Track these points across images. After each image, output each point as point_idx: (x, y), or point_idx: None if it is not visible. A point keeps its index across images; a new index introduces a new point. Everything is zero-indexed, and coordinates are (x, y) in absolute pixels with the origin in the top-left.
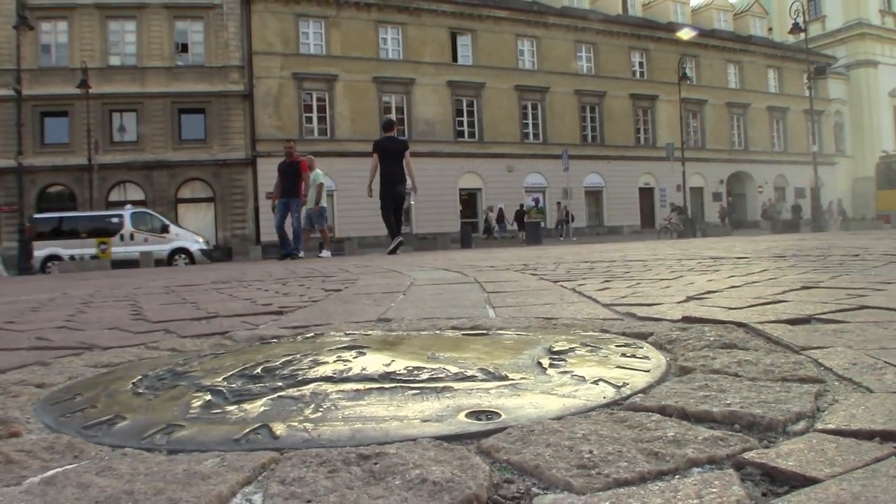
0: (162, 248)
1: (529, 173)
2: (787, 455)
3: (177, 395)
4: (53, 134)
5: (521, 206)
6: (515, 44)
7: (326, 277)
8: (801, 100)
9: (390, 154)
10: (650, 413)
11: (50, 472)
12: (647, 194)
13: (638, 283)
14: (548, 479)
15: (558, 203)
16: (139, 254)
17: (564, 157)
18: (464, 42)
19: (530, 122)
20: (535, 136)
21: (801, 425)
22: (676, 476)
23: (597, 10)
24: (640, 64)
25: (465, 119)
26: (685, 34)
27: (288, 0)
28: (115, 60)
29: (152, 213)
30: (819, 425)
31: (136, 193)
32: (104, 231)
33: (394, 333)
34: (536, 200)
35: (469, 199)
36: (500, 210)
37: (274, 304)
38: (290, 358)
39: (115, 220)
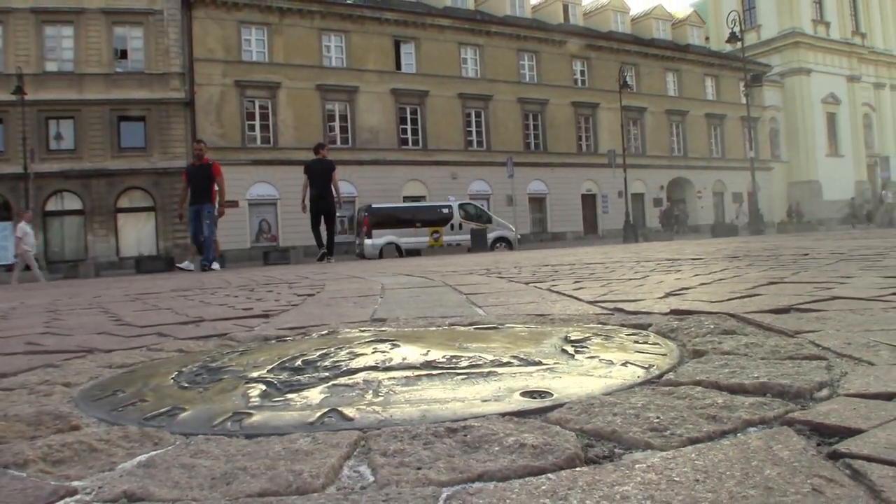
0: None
1: (474, 180)
2: (826, 414)
3: (227, 388)
4: None
5: None
6: (458, 52)
7: (291, 284)
8: (737, 107)
9: (318, 175)
10: (691, 386)
11: (142, 457)
12: (589, 201)
13: (609, 283)
14: (627, 441)
15: None
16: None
17: (509, 164)
18: (407, 50)
19: (474, 129)
20: (479, 143)
21: (824, 392)
22: (738, 434)
23: (539, 20)
24: (582, 72)
25: (409, 127)
26: None
27: (230, 7)
28: (51, 66)
29: (476, 204)
30: (841, 391)
31: (73, 202)
32: (436, 221)
33: (407, 329)
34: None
35: None
36: None
37: (254, 308)
38: (325, 351)
39: (444, 210)
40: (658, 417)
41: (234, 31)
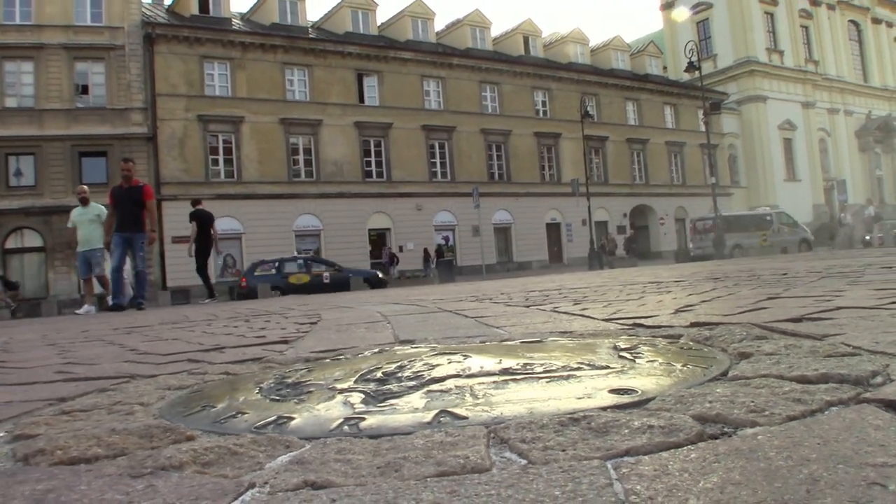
0: (793, 238)
1: (439, 211)
2: (894, 393)
3: (324, 398)
4: None
5: (441, 244)
6: (421, 84)
7: (282, 314)
8: (696, 134)
9: (206, 224)
10: (761, 379)
11: (285, 457)
12: (554, 229)
13: (610, 304)
14: (733, 421)
15: (383, 246)
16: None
17: (475, 195)
18: (370, 83)
19: (438, 160)
20: (444, 174)
21: (879, 379)
22: (825, 412)
23: (500, 52)
24: (543, 103)
25: (373, 159)
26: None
27: (192, 42)
28: (11, 102)
29: (786, 213)
30: (894, 377)
31: (34, 240)
32: (763, 226)
33: (454, 345)
34: (446, 238)
35: (378, 240)
36: (392, 253)
37: (266, 336)
38: (400, 364)
39: (768, 217)
40: (752, 402)
41: (196, 65)
